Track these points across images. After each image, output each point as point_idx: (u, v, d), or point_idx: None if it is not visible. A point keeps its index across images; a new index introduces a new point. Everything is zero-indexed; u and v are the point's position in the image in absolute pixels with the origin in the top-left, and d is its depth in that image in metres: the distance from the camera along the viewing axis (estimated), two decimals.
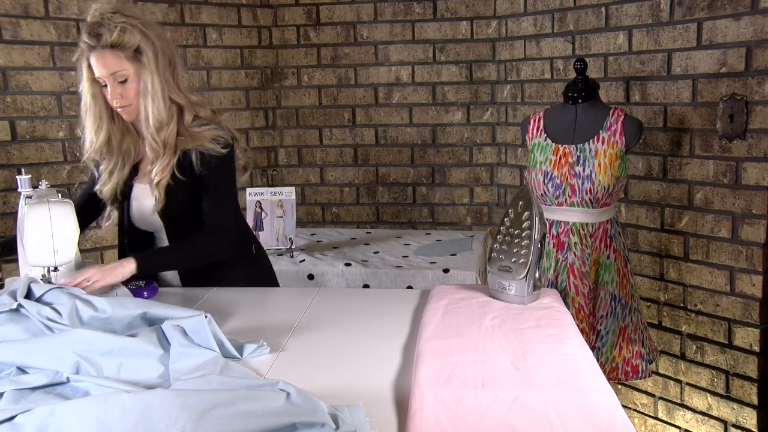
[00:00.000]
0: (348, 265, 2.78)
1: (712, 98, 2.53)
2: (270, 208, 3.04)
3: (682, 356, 2.74)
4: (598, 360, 2.12)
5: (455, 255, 2.91)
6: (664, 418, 2.83)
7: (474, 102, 3.53)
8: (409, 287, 2.65)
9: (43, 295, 1.52)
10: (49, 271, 1.72)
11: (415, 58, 3.54)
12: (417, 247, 3.05)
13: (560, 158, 2.41)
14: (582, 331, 2.19)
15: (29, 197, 1.74)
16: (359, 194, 3.71)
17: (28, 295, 1.53)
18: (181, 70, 1.94)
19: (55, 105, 2.93)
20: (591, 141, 2.38)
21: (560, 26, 3.10)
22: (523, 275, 1.60)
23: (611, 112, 2.41)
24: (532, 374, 1.22)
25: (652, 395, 2.88)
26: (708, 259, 2.61)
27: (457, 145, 3.57)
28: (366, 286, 2.73)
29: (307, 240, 3.24)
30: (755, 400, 2.50)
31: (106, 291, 1.73)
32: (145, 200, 1.96)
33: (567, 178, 2.38)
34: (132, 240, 2.03)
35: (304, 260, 2.86)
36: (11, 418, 1.06)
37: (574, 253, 2.39)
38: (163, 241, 2.00)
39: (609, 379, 2.00)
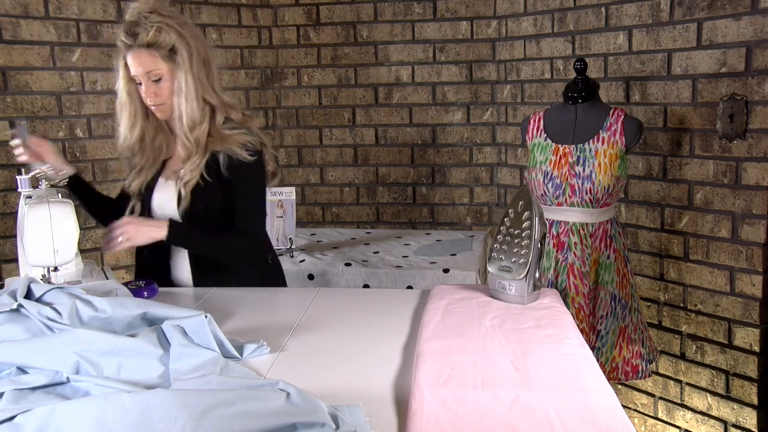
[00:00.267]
0: (348, 265, 2.78)
1: (712, 98, 2.53)
2: (270, 208, 3.03)
3: (682, 356, 2.74)
4: (598, 360, 2.11)
5: (455, 255, 2.91)
6: (664, 418, 2.83)
7: (474, 102, 3.53)
8: (409, 287, 2.65)
9: (43, 295, 1.52)
10: (49, 271, 1.72)
11: (415, 58, 3.54)
12: (417, 247, 3.05)
13: (560, 158, 2.41)
14: (582, 331, 2.19)
15: (29, 197, 1.74)
16: (359, 194, 3.71)
17: (28, 295, 1.53)
18: (216, 70, 1.95)
19: (55, 105, 2.93)
20: (591, 141, 2.38)
21: (560, 26, 3.10)
22: (523, 275, 1.60)
23: (611, 112, 2.41)
24: (532, 374, 1.22)
25: (652, 395, 2.88)
26: (708, 259, 2.61)
27: (457, 145, 3.57)
28: (366, 286, 2.73)
29: (307, 240, 3.24)
30: (755, 400, 2.50)
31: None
32: (168, 194, 1.98)
33: (567, 178, 2.38)
34: None
35: (304, 260, 2.86)
36: (11, 418, 1.06)
37: (574, 253, 2.39)
38: None
39: (609, 379, 2.00)
